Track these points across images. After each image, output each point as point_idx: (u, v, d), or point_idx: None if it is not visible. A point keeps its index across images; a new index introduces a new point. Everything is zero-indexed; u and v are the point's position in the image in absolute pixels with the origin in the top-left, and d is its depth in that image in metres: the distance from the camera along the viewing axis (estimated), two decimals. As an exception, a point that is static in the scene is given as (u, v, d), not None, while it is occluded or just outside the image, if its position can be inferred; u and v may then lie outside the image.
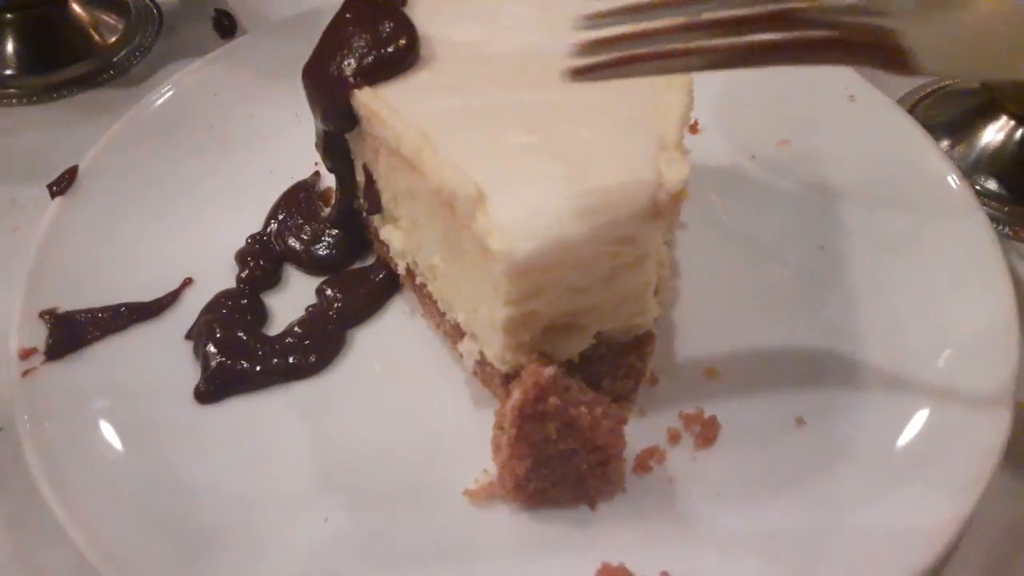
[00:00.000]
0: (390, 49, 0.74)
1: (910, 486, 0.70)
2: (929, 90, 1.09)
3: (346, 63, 0.74)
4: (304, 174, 0.99)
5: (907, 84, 1.10)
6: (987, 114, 1.00)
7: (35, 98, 1.14)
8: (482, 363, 0.74)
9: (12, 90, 1.15)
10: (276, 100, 1.05)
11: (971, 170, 0.98)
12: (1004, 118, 0.98)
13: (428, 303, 0.83)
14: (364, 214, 0.88)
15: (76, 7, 1.20)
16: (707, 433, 0.75)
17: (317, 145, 0.85)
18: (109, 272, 0.88)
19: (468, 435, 0.77)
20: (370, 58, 0.74)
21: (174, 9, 1.27)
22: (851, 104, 1.00)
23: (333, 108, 0.76)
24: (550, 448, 0.66)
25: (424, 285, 0.82)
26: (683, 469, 0.74)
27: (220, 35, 1.21)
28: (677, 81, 0.73)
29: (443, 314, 0.80)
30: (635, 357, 0.74)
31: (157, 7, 1.26)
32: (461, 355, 0.77)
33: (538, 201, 0.61)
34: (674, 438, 0.75)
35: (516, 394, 0.64)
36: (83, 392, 0.78)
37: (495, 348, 0.69)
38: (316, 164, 1.00)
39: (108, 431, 0.76)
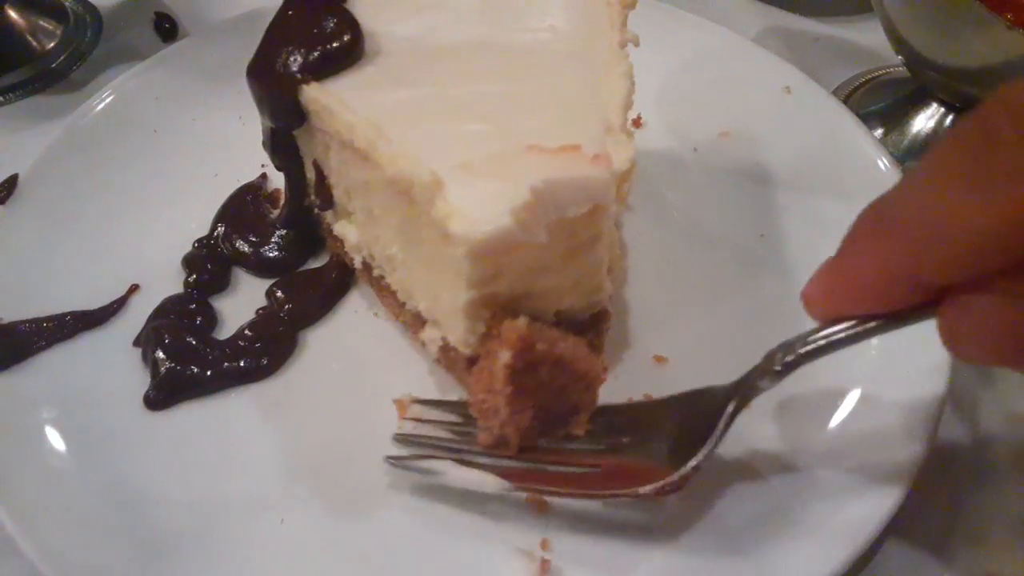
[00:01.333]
0: (335, 44, 0.74)
1: (845, 463, 0.73)
2: (862, 80, 1.12)
3: (291, 59, 0.74)
4: (250, 176, 0.99)
5: (841, 75, 1.13)
6: (918, 102, 1.03)
7: (-29, 106, 1.12)
8: (445, 349, 0.75)
9: (-54, 99, 1.13)
10: (220, 103, 1.05)
11: (904, 156, 1.01)
12: (934, 105, 1.01)
13: (387, 295, 0.84)
14: (315, 211, 0.88)
15: (12, 13, 1.17)
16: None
17: (264, 144, 0.85)
18: (53, 281, 0.87)
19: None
20: (315, 53, 0.74)
21: (113, 13, 1.25)
22: (787, 95, 1.03)
23: (280, 104, 0.76)
24: (545, 392, 0.68)
25: (382, 277, 0.82)
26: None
27: (161, 38, 1.19)
28: (617, 69, 0.75)
29: (403, 304, 0.80)
30: (592, 335, 0.76)
31: (96, 12, 1.24)
32: (423, 343, 0.78)
33: (494, 185, 0.63)
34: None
35: (504, 353, 0.65)
36: (30, 403, 0.77)
37: (458, 332, 0.70)
38: (263, 166, 1.00)
39: (57, 441, 0.75)
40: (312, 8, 0.78)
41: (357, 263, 0.84)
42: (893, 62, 1.13)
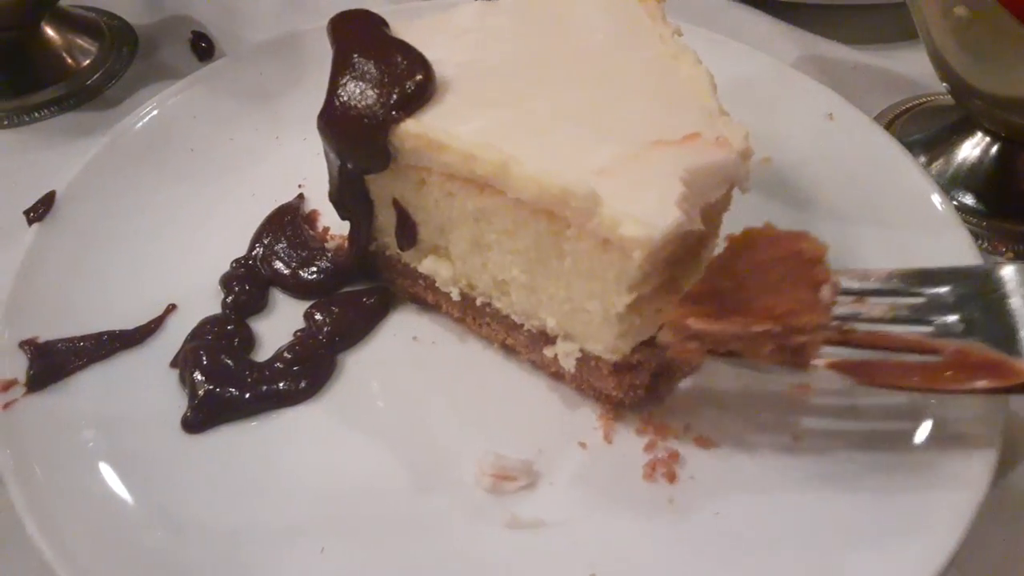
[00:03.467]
0: (417, 78, 0.74)
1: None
2: (903, 108, 1.11)
3: (374, 100, 0.73)
4: (287, 197, 0.98)
5: (883, 102, 1.12)
6: (963, 130, 1.02)
7: (7, 122, 1.12)
8: (584, 360, 0.76)
9: (-18, 115, 1.12)
10: (256, 123, 1.05)
11: (948, 185, 1.00)
12: (979, 134, 1.00)
13: (490, 322, 0.83)
14: (385, 253, 0.87)
15: (49, 30, 1.18)
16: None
17: (333, 193, 0.83)
18: (90, 300, 0.86)
19: (467, 459, 0.76)
20: (399, 91, 0.73)
21: (149, 31, 1.25)
22: (830, 121, 1.02)
23: (368, 147, 0.75)
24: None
25: (487, 304, 0.82)
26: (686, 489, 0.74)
27: (198, 57, 1.19)
28: (686, 57, 0.77)
29: (518, 327, 0.80)
30: None
31: (131, 30, 1.24)
32: (552, 358, 0.78)
33: (641, 185, 0.65)
34: (673, 457, 0.75)
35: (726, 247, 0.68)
36: (67, 424, 0.76)
37: (606, 340, 0.73)
38: (300, 187, 0.99)
39: (94, 464, 0.74)
40: (371, 46, 0.77)
41: (455, 296, 0.83)
42: (932, 90, 1.12)
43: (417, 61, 0.76)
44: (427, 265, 0.83)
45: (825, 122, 1.02)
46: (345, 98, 0.75)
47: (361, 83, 0.75)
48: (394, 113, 0.73)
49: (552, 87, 0.77)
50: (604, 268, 0.68)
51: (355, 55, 0.77)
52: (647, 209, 0.64)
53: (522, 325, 0.80)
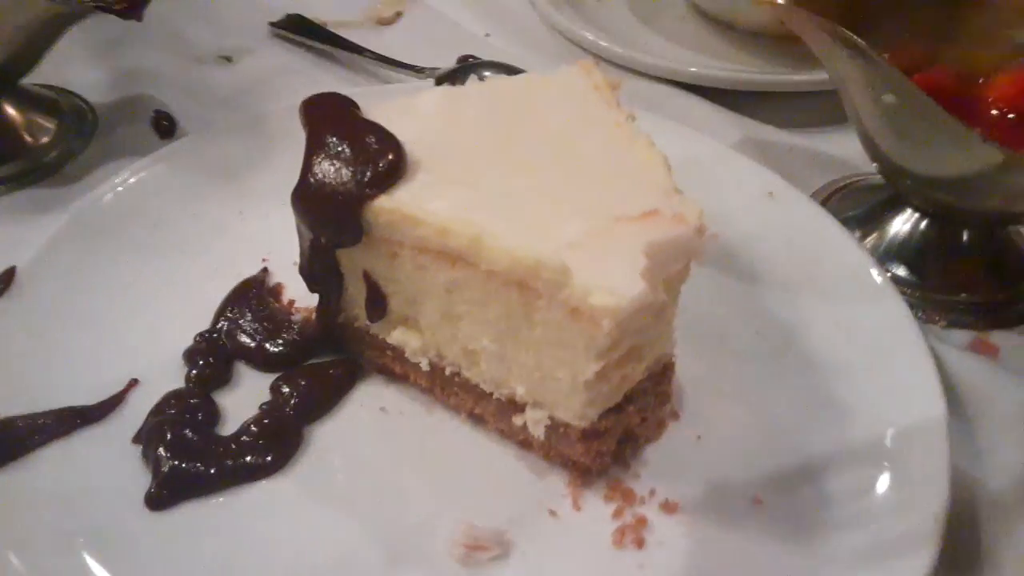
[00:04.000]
0: (389, 156, 0.77)
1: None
2: (838, 186, 1.18)
3: (348, 178, 0.76)
4: (251, 270, 0.99)
5: (818, 180, 1.20)
6: (894, 207, 1.09)
7: (-38, 198, 1.11)
8: (553, 427, 0.77)
9: (-65, 190, 1.11)
10: (220, 199, 1.07)
11: (883, 258, 1.06)
12: (909, 210, 1.07)
13: (458, 391, 0.85)
14: (353, 325, 0.89)
15: (8, 108, 1.18)
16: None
17: (304, 267, 0.85)
18: (50, 375, 0.85)
19: (439, 529, 0.76)
20: (372, 168, 0.76)
21: (109, 109, 1.26)
22: (771, 199, 1.08)
23: (342, 223, 0.77)
24: None
25: (456, 374, 0.83)
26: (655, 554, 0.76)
27: (159, 136, 1.21)
28: (641, 140, 0.82)
29: (488, 395, 0.82)
30: (664, 384, 0.83)
31: (92, 109, 1.26)
32: (521, 425, 0.80)
33: (607, 258, 0.69)
34: (640, 523, 0.77)
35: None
36: (27, 502, 0.74)
37: (575, 407, 0.75)
38: (264, 260, 1.00)
39: (57, 543, 0.72)
40: (343, 126, 0.80)
41: (424, 366, 0.84)
42: (863, 170, 1.20)
43: (388, 141, 0.79)
44: (396, 336, 0.84)
45: (766, 200, 1.08)
46: (320, 175, 0.77)
47: (335, 162, 0.78)
48: (368, 190, 0.76)
49: (517, 167, 0.81)
50: (574, 337, 0.71)
51: (328, 135, 0.80)
52: (614, 281, 0.68)
53: (491, 394, 0.81)
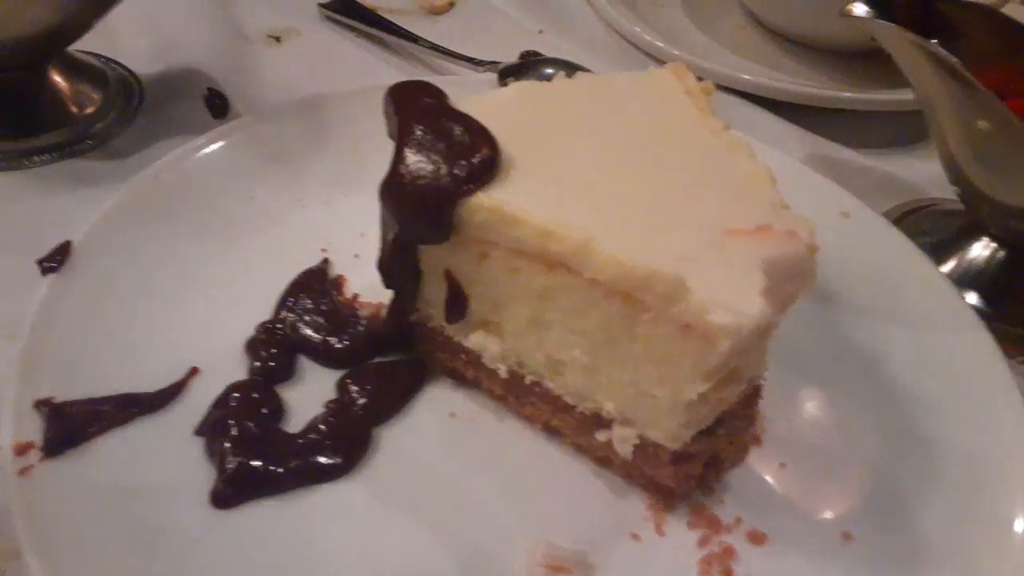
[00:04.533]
0: (485, 151, 0.72)
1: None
2: (907, 210, 1.16)
3: (444, 171, 0.72)
4: (310, 261, 0.95)
5: (885, 203, 1.17)
6: (970, 234, 1.06)
7: (4, 164, 1.06)
8: (641, 447, 0.74)
9: (-21, 155, 1.06)
10: (278, 184, 1.03)
11: (956, 287, 1.03)
12: (986, 239, 1.05)
13: (536, 402, 0.81)
14: (428, 325, 0.85)
15: (55, 75, 1.13)
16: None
17: (384, 262, 0.81)
18: (107, 358, 0.80)
19: (515, 547, 0.73)
20: (468, 163, 0.72)
21: (158, 84, 1.21)
22: (845, 220, 1.05)
23: (434, 219, 0.73)
24: None
25: (537, 383, 0.79)
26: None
27: (212, 115, 1.16)
28: (743, 150, 0.79)
29: (570, 408, 0.78)
30: (752, 407, 0.79)
31: (139, 81, 1.21)
32: (604, 442, 0.77)
33: (721, 273, 0.65)
34: (728, 553, 0.74)
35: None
36: (87, 493, 0.70)
37: (669, 428, 0.71)
38: (323, 251, 0.96)
39: (116, 538, 0.68)
40: (437, 119, 0.76)
41: (502, 373, 0.80)
42: (933, 195, 1.18)
43: (483, 134, 0.75)
44: (475, 340, 0.81)
45: (840, 220, 1.05)
46: (412, 168, 0.73)
47: (428, 154, 0.74)
48: (464, 186, 0.72)
49: (615, 171, 0.77)
50: (681, 355, 0.67)
51: (419, 125, 0.76)
52: (732, 298, 0.64)
53: (574, 407, 0.78)
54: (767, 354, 0.77)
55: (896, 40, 0.98)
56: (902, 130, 1.18)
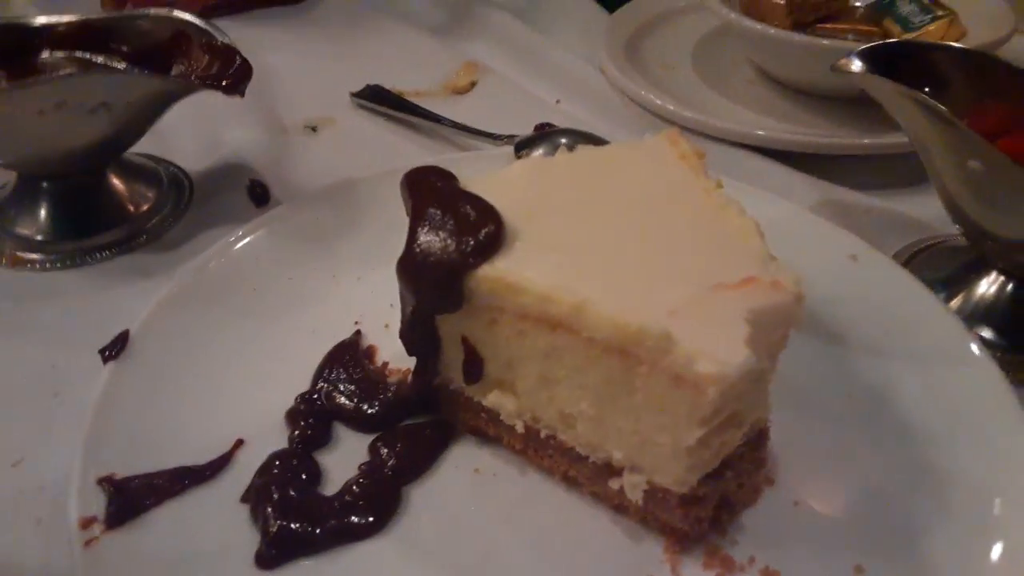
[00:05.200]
0: (490, 227, 0.80)
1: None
2: (919, 248, 1.18)
3: (452, 248, 0.80)
4: (345, 333, 1.03)
5: (897, 242, 1.20)
6: (978, 269, 1.09)
7: (67, 263, 1.17)
8: (651, 492, 0.79)
9: (43, 255, 1.18)
10: (314, 264, 1.12)
11: (968, 321, 1.05)
12: (994, 273, 1.07)
13: (553, 454, 0.86)
14: (449, 387, 0.91)
15: (114, 178, 1.25)
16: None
17: (406, 332, 0.88)
18: (162, 435, 0.88)
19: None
20: (474, 239, 0.79)
21: (204, 178, 1.33)
22: (854, 263, 1.09)
23: (445, 291, 0.80)
24: None
25: (552, 437, 0.85)
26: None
27: (255, 204, 1.27)
28: (732, 207, 0.84)
29: (584, 458, 0.83)
30: (760, 449, 0.83)
31: (188, 177, 1.32)
32: (618, 490, 0.81)
33: (709, 325, 0.71)
34: (742, 586, 0.77)
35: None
36: (145, 561, 0.77)
37: (675, 473, 0.76)
38: (356, 324, 1.04)
39: (172, 601, 0.75)
40: (446, 200, 0.84)
41: (519, 429, 0.86)
42: (944, 231, 1.20)
43: (488, 211, 0.82)
44: (492, 399, 0.87)
45: (849, 263, 1.09)
46: (424, 246, 0.81)
47: (438, 232, 0.82)
48: (470, 260, 0.79)
49: (611, 235, 0.83)
50: (676, 404, 0.72)
51: (430, 206, 0.84)
52: (718, 348, 0.69)
53: (587, 457, 0.83)
54: (769, 397, 0.81)
55: (887, 91, 1.03)
56: (910, 169, 1.21)
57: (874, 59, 1.08)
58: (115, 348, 0.93)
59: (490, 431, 0.90)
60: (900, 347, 0.99)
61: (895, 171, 1.34)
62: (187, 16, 1.19)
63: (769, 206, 1.15)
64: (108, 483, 0.81)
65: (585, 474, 0.84)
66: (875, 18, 1.57)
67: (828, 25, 1.58)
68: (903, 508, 0.83)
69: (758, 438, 0.82)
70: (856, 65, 1.08)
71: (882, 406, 0.93)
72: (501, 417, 0.87)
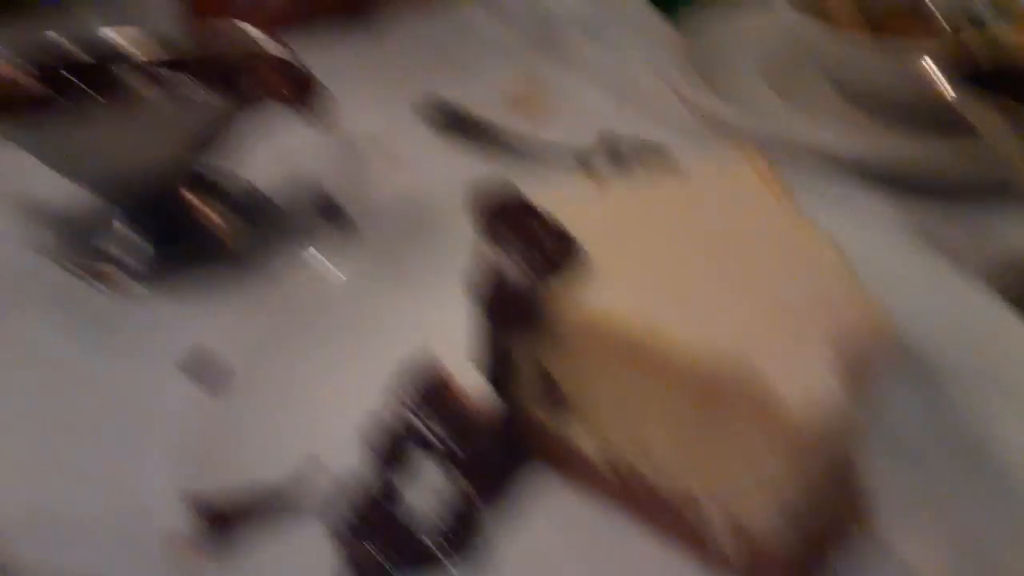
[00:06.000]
0: (566, 250, 0.79)
1: None
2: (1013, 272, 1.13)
3: (527, 272, 0.79)
4: (420, 358, 1.02)
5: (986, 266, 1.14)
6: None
7: (145, 280, 1.18)
8: (736, 532, 0.76)
9: (123, 273, 1.20)
10: (388, 287, 1.13)
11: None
12: None
13: (635, 489, 0.84)
14: (527, 416, 0.90)
15: (187, 193, 1.27)
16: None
17: (478, 360, 0.88)
18: (247, 456, 0.90)
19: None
20: (549, 262, 0.79)
21: (275, 195, 1.34)
22: (940, 287, 1.05)
23: (521, 317, 0.80)
24: None
25: (633, 471, 0.83)
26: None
27: (329, 224, 1.27)
28: (811, 232, 0.82)
29: (663, 491, 0.82)
30: (851, 492, 0.81)
31: (261, 193, 1.34)
32: (699, 527, 0.79)
33: (798, 355, 0.68)
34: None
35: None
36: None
37: (759, 512, 0.74)
38: (434, 350, 1.02)
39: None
40: (518, 221, 0.83)
41: (597, 460, 0.85)
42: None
43: (562, 234, 0.82)
44: (572, 430, 0.86)
45: (936, 288, 1.05)
46: (498, 270, 0.80)
47: (512, 256, 0.81)
48: (545, 284, 0.78)
49: (688, 258, 0.81)
50: (760, 436, 0.70)
51: (502, 228, 0.83)
52: (805, 378, 0.67)
53: (666, 490, 0.81)
54: (858, 437, 0.78)
55: (976, 111, 0.99)
56: (1000, 191, 1.16)
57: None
58: (202, 367, 0.95)
59: (571, 465, 0.88)
60: (996, 384, 0.94)
61: (982, 191, 1.28)
62: (263, 37, 1.20)
63: (849, 226, 1.11)
64: (201, 503, 0.83)
65: (666, 510, 0.82)
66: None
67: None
68: (995, 555, 0.79)
69: (848, 480, 0.79)
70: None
71: (982, 450, 0.89)
72: (582, 449, 0.86)
